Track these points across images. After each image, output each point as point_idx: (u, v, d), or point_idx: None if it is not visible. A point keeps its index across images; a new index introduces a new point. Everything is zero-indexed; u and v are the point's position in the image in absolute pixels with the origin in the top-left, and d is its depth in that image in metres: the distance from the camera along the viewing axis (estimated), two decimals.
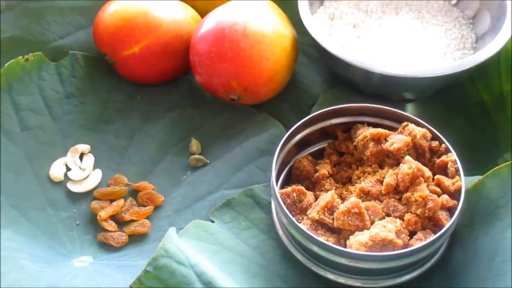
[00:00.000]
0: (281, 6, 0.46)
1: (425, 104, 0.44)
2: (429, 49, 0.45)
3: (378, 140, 0.36)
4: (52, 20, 0.45)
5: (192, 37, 0.42)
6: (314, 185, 0.37)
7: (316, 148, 0.40)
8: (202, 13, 0.46)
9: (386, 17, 0.47)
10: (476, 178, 0.35)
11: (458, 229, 0.34)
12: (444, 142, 0.35)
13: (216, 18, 0.42)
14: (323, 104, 0.43)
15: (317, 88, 0.46)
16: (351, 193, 0.35)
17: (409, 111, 0.44)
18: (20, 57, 0.43)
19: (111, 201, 0.39)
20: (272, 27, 0.41)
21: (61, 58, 0.44)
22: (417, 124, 0.36)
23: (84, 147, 0.42)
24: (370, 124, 0.38)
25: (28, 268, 0.34)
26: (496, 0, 0.44)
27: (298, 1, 0.44)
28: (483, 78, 0.44)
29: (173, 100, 0.44)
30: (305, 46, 0.47)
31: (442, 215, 0.32)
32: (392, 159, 0.36)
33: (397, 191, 0.34)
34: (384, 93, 0.43)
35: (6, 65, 0.42)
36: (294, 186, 0.35)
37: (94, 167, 0.41)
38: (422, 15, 0.48)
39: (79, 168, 0.41)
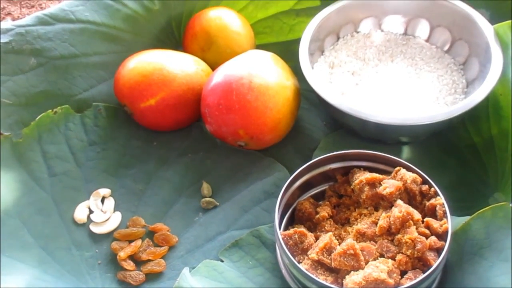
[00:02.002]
0: (284, 55, 0.49)
1: (419, 146, 0.47)
2: (423, 94, 0.48)
3: (373, 184, 0.39)
4: (78, 75, 0.49)
5: (203, 90, 0.47)
6: (315, 226, 0.40)
7: (318, 190, 0.43)
8: (212, 64, 0.50)
9: (382, 65, 0.51)
10: (464, 219, 0.37)
11: (448, 268, 0.37)
12: (433, 186, 0.38)
13: (224, 72, 0.46)
14: (324, 148, 0.46)
15: (319, 132, 0.50)
16: (349, 234, 0.38)
17: (404, 153, 0.47)
18: (50, 110, 0.47)
19: (130, 241, 0.43)
20: (275, 80, 0.45)
21: (85, 109, 0.49)
22: (408, 169, 0.40)
23: (105, 191, 0.46)
24: (367, 168, 0.41)
25: None
26: (482, 47, 0.48)
27: (299, 53, 0.48)
28: (473, 122, 0.47)
29: (186, 145, 0.48)
30: (308, 92, 0.50)
31: (430, 255, 0.35)
32: (386, 201, 0.39)
33: (390, 232, 0.37)
34: (380, 137, 0.46)
35: (37, 118, 0.47)
36: (296, 228, 0.38)
37: (114, 210, 0.45)
38: (415, 62, 0.51)
39: (101, 211, 0.45)
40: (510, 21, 0.45)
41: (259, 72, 0.45)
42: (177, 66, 0.48)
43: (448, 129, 0.47)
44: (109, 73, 0.50)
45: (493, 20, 0.49)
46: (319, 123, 0.50)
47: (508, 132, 0.43)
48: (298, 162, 0.43)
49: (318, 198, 0.43)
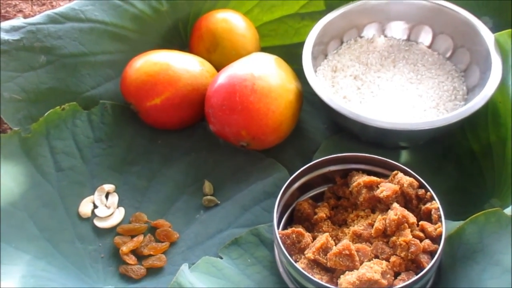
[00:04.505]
0: (288, 58, 0.50)
1: (418, 151, 0.48)
2: (423, 100, 0.49)
3: (370, 187, 0.40)
4: (86, 73, 0.50)
5: (207, 91, 0.48)
6: (313, 226, 0.41)
7: (317, 191, 0.44)
8: (217, 65, 0.51)
9: (384, 70, 0.52)
10: (459, 223, 0.38)
11: (442, 270, 0.38)
12: (429, 190, 0.39)
13: (228, 74, 0.47)
14: (325, 150, 0.47)
15: (320, 135, 0.50)
16: (346, 235, 0.39)
17: (403, 157, 0.48)
18: (58, 107, 0.48)
19: (132, 236, 0.44)
20: (278, 82, 0.46)
21: (93, 107, 0.50)
22: (406, 173, 0.40)
23: (109, 187, 0.47)
24: (365, 171, 0.42)
25: None
26: (483, 54, 0.48)
27: (302, 57, 0.49)
28: (472, 129, 0.47)
29: (190, 144, 0.49)
30: (310, 95, 0.51)
31: (424, 258, 0.36)
32: (383, 204, 0.40)
33: (385, 234, 0.38)
34: (380, 141, 0.47)
35: (46, 114, 0.48)
36: (293, 228, 0.39)
37: (118, 205, 0.46)
38: (417, 68, 0.52)
39: (105, 206, 0.46)
40: (510, 29, 0.46)
41: (262, 74, 0.46)
42: (183, 66, 0.49)
43: (447, 135, 0.48)
44: (116, 72, 0.51)
45: (496, 28, 0.49)
46: (320, 126, 0.51)
47: (506, 139, 0.44)
48: (299, 164, 0.44)
49: (317, 199, 0.43)
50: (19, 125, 0.48)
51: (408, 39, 0.54)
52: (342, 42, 0.54)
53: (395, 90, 0.50)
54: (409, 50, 0.53)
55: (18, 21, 0.49)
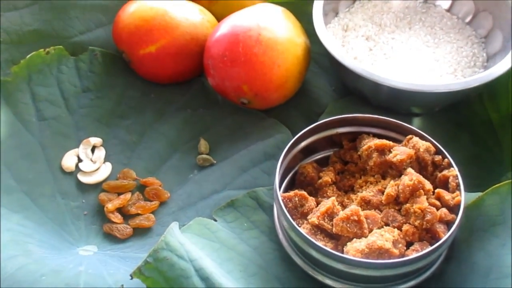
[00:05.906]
0: (296, 15, 0.47)
1: (432, 119, 0.45)
2: (440, 65, 0.45)
3: (382, 151, 0.37)
4: (74, 16, 0.46)
5: (207, 41, 0.44)
6: (317, 191, 0.38)
7: (322, 155, 0.40)
8: (219, 17, 0.47)
9: (399, 31, 0.48)
10: (476, 195, 0.35)
11: (456, 244, 0.35)
12: (447, 157, 0.36)
13: (231, 23, 0.43)
14: (331, 113, 0.44)
15: (327, 97, 0.47)
16: (353, 201, 0.36)
17: (415, 125, 0.44)
18: (42, 49, 0.44)
19: (119, 194, 0.40)
20: (286, 35, 0.43)
21: (81, 53, 0.46)
22: (422, 137, 0.37)
23: (96, 140, 0.43)
24: (376, 135, 0.39)
25: (35, 253, 0.35)
26: (508, 20, 0.45)
27: (313, 12, 0.45)
28: (491, 97, 0.44)
29: (186, 100, 0.46)
30: (318, 55, 0.48)
31: (440, 228, 0.33)
32: (395, 170, 0.36)
33: (397, 201, 0.35)
34: (392, 106, 0.44)
35: (27, 56, 0.44)
36: (296, 191, 0.36)
37: (105, 160, 0.43)
38: (435, 31, 0.48)
39: (90, 160, 0.42)
40: None
41: (269, 25, 0.42)
42: (182, 13, 0.44)
43: (464, 103, 0.45)
44: (108, 18, 0.47)
45: None
46: (327, 88, 0.48)
47: None
48: (302, 126, 0.40)
49: (322, 164, 0.40)
50: None
51: (425, 1, 0.51)
52: (354, 1, 0.50)
53: (410, 53, 0.46)
54: (427, 13, 0.50)
55: None
